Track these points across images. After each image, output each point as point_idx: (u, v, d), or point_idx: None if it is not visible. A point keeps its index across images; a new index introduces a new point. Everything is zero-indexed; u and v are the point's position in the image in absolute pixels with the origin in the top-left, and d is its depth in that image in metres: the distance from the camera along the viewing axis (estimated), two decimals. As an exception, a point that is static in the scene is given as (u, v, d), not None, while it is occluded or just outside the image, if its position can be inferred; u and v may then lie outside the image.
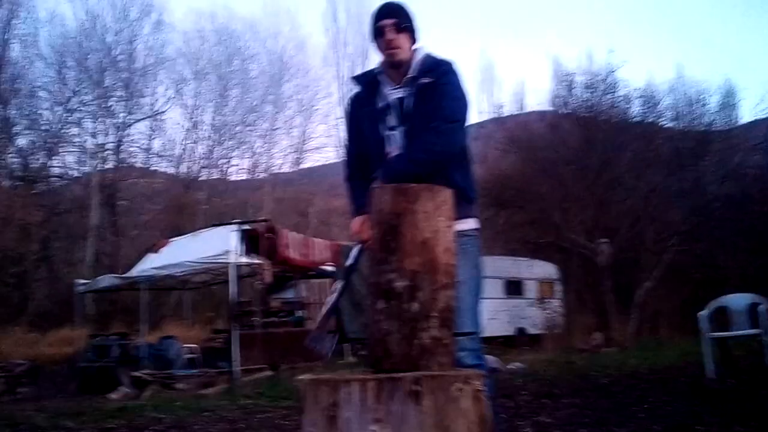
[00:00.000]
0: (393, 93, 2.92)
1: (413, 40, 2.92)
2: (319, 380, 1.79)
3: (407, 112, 2.87)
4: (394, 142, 2.90)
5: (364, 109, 3.00)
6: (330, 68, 32.43)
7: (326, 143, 32.66)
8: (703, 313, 7.63)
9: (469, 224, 2.90)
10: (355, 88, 3.16)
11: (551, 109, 22.99)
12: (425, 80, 2.83)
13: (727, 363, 7.65)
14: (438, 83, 2.83)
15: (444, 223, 1.99)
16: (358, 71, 4.16)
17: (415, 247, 1.93)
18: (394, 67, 2.91)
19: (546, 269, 18.47)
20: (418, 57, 2.91)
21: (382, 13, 2.91)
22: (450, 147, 2.79)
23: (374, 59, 3.12)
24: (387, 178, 2.62)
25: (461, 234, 2.73)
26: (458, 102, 2.86)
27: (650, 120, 19.33)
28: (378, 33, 2.89)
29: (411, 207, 1.95)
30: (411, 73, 2.87)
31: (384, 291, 1.93)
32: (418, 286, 1.91)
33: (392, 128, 2.91)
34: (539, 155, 18.92)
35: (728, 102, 27.37)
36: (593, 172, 16.83)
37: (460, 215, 2.72)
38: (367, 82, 3.03)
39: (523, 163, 19.80)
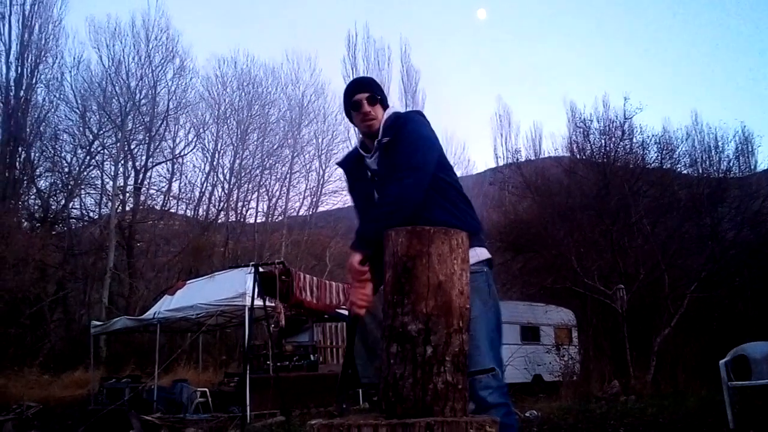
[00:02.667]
0: (371, 161, 3.05)
1: (384, 109, 3.06)
2: (331, 426, 1.76)
3: (379, 174, 2.99)
4: None
5: (356, 184, 3.17)
6: (348, 113, 32.79)
7: (343, 187, 32.89)
8: (723, 362, 7.48)
9: (474, 257, 2.72)
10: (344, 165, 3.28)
11: (568, 154, 23.05)
12: (386, 139, 2.93)
13: (748, 413, 7.47)
14: (397, 138, 2.90)
15: (459, 266, 1.98)
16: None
17: (430, 290, 1.92)
18: (370, 137, 3.03)
19: (563, 315, 18.23)
20: (383, 120, 3.02)
21: (356, 88, 3.07)
22: (413, 192, 2.74)
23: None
24: (358, 243, 2.64)
25: None
26: (414, 147, 2.86)
27: (667, 166, 19.28)
28: (354, 107, 3.03)
29: (425, 250, 1.94)
30: (378, 137, 2.97)
31: (397, 334, 1.91)
32: (432, 330, 1.89)
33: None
34: (556, 200, 18.88)
35: (745, 148, 27.46)
36: (610, 217, 16.73)
37: None
38: (352, 161, 3.18)
39: (539, 208, 19.74)
